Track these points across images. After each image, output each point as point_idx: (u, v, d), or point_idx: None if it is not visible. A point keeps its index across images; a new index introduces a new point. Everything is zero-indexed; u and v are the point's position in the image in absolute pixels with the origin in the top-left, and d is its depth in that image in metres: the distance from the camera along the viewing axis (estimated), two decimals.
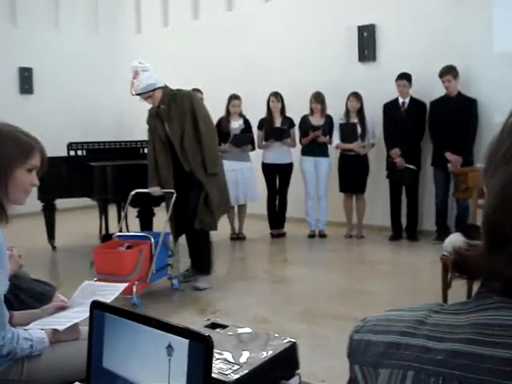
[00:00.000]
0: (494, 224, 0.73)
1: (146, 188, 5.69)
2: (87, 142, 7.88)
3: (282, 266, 6.54)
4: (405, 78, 7.21)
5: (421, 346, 0.75)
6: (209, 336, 1.08)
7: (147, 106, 9.89)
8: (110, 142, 8.05)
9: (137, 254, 4.94)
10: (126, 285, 2.67)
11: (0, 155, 2.03)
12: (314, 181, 7.74)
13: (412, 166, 7.20)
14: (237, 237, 7.84)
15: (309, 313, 4.80)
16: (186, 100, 5.58)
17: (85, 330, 2.08)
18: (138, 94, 5.59)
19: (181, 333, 1.13)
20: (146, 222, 6.28)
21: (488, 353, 0.70)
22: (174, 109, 5.55)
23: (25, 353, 2.06)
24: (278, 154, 7.70)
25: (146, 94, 5.57)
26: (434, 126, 7.02)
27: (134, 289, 4.81)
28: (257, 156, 7.84)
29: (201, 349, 1.09)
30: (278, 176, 7.83)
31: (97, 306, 1.35)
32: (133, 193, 5.68)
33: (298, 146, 7.76)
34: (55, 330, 2.17)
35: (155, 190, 5.63)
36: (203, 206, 5.48)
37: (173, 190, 5.47)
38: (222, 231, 7.82)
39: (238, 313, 4.78)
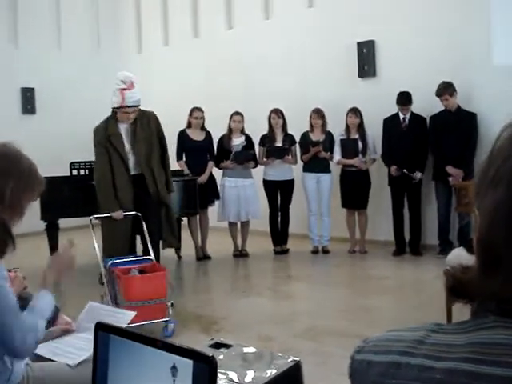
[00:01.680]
0: (486, 246, 0.75)
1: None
2: (90, 162, 7.90)
3: (285, 283, 6.52)
4: (407, 103, 7.20)
5: (420, 365, 0.76)
6: (213, 357, 1.08)
7: None
8: None
9: (165, 276, 4.79)
10: (134, 313, 2.66)
11: (23, 187, 2.05)
12: (316, 197, 7.75)
13: (419, 175, 7.19)
14: (240, 254, 7.83)
15: (313, 330, 4.79)
16: (154, 120, 5.64)
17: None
18: (132, 106, 5.48)
19: (185, 353, 1.14)
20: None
21: (486, 371, 0.71)
22: (141, 129, 5.52)
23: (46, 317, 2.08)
24: (280, 170, 7.71)
25: (136, 108, 5.52)
26: (434, 140, 7.04)
27: (170, 311, 4.72)
28: (258, 172, 7.86)
29: (205, 369, 1.10)
30: (279, 192, 7.84)
31: (101, 328, 1.35)
32: (91, 217, 5.50)
33: (300, 163, 7.78)
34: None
35: (118, 215, 5.52)
36: (166, 225, 5.51)
37: (135, 213, 5.39)
38: (225, 248, 7.85)
39: (242, 330, 4.76)
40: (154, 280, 4.70)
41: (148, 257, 5.20)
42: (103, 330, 1.35)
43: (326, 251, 7.75)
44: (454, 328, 0.79)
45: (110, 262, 5.10)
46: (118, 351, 1.29)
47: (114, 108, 5.52)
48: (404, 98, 7.20)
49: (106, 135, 5.54)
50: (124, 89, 5.37)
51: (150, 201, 5.52)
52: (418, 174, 7.17)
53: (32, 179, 2.17)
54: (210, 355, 1.09)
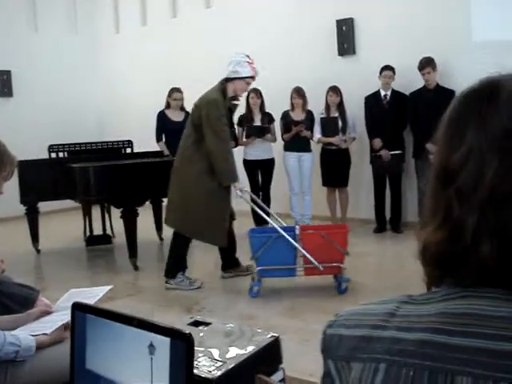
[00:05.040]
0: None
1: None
2: (68, 144, 7.84)
3: None
4: (390, 69, 7.27)
5: (392, 337, 0.76)
6: (189, 334, 1.08)
7: (130, 106, 9.83)
8: (91, 143, 8.01)
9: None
10: (109, 287, 2.65)
11: None
12: (298, 176, 7.75)
13: (397, 152, 7.27)
14: None
15: (296, 307, 4.81)
16: None
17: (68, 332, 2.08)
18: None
19: (162, 331, 1.13)
20: (130, 222, 6.24)
21: (456, 342, 0.71)
22: None
23: (9, 357, 2.05)
24: (260, 149, 7.71)
25: None
26: (413, 117, 7.08)
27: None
28: (238, 153, 7.83)
29: (182, 347, 1.10)
30: (260, 172, 7.83)
31: (78, 308, 1.35)
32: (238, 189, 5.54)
33: (280, 142, 7.77)
34: (44, 334, 2.16)
35: (241, 186, 5.63)
36: None
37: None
38: None
39: (225, 310, 4.79)
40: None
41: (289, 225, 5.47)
42: (80, 310, 1.34)
43: None
44: (425, 298, 0.79)
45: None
46: (95, 330, 1.28)
47: (246, 77, 5.51)
48: (386, 66, 7.25)
49: (226, 107, 5.50)
50: (250, 62, 5.52)
51: None
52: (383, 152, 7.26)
53: (2, 158, 2.14)
54: (187, 332, 1.08)
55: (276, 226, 5.22)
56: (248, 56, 5.58)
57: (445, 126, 0.82)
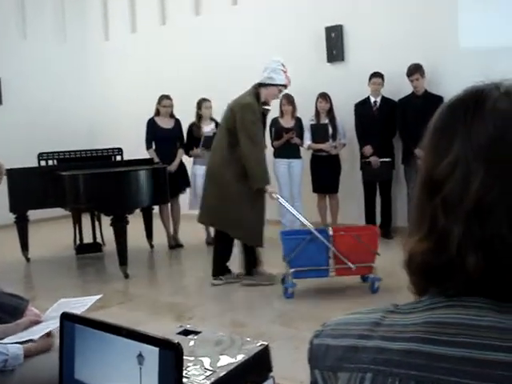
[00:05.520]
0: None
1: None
2: (58, 152, 7.81)
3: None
4: (379, 76, 7.31)
5: (377, 347, 0.76)
6: (178, 343, 1.08)
7: (120, 113, 9.81)
8: (81, 151, 7.99)
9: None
10: (98, 297, 2.64)
11: None
12: (288, 182, 7.76)
13: (387, 159, 7.30)
14: (212, 241, 7.80)
15: (287, 315, 4.81)
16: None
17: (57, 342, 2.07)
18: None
19: (151, 341, 1.13)
20: (121, 230, 6.23)
21: (442, 352, 0.71)
22: None
23: None
24: None
25: None
26: (402, 124, 7.11)
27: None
28: None
29: (171, 356, 1.09)
30: None
31: (67, 318, 1.34)
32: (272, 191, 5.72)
33: (270, 149, 7.77)
34: (30, 341, 2.15)
35: (274, 189, 5.78)
36: None
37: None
38: (197, 236, 7.83)
39: (215, 318, 4.77)
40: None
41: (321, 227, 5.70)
42: (68, 320, 1.34)
43: None
44: (410, 307, 0.79)
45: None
46: (84, 341, 1.28)
47: (279, 84, 5.64)
48: (375, 72, 7.29)
49: (260, 112, 5.60)
50: (284, 71, 5.63)
51: None
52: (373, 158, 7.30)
53: None
54: (176, 342, 1.08)
55: (311, 228, 5.34)
56: (283, 64, 5.68)
57: (430, 136, 0.82)
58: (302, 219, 5.71)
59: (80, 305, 2.45)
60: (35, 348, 2.18)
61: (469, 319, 0.72)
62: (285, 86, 5.73)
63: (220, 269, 5.76)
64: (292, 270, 5.17)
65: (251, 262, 5.85)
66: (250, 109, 5.43)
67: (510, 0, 6.60)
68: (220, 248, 5.77)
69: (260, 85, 5.63)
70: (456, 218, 0.73)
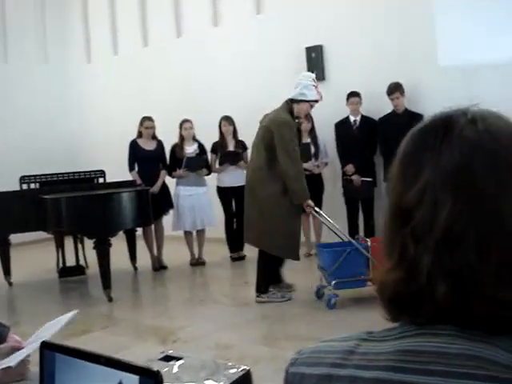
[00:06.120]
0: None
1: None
2: (40, 175, 7.77)
3: (243, 289, 6.51)
4: (356, 95, 7.37)
5: (350, 376, 0.76)
6: (158, 371, 1.07)
7: (103, 135, 9.80)
8: (63, 174, 7.94)
9: None
10: (74, 312, 2.61)
11: None
12: None
13: (368, 179, 7.34)
14: (196, 262, 7.80)
15: (271, 335, 4.80)
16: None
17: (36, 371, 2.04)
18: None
19: (130, 369, 1.12)
20: (104, 253, 6.19)
21: (412, 380, 0.71)
22: None
23: None
24: (233, 176, 7.72)
25: None
26: (383, 142, 7.17)
27: None
28: (212, 180, 7.86)
29: None
30: (234, 199, 7.85)
31: (46, 347, 1.33)
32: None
33: None
34: (8, 368, 2.12)
35: (312, 204, 5.78)
36: None
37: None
38: (181, 257, 7.81)
39: (200, 340, 4.74)
40: None
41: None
42: (48, 349, 1.32)
43: None
44: (383, 335, 0.79)
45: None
46: (64, 370, 1.27)
47: (311, 100, 5.72)
48: (352, 92, 7.36)
49: (295, 128, 5.74)
50: (315, 86, 5.74)
51: None
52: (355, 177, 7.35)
53: None
54: (155, 370, 1.08)
55: (352, 241, 5.56)
56: (314, 79, 5.79)
57: (399, 163, 0.81)
58: (339, 232, 5.85)
59: (58, 323, 2.42)
60: (9, 376, 2.14)
61: (438, 347, 0.72)
62: (316, 101, 5.82)
63: (265, 284, 5.81)
64: (333, 281, 5.31)
65: (274, 278, 5.96)
66: (287, 126, 5.55)
67: (488, 17, 6.69)
68: (263, 263, 5.83)
69: (292, 100, 5.72)
70: (425, 247, 0.73)
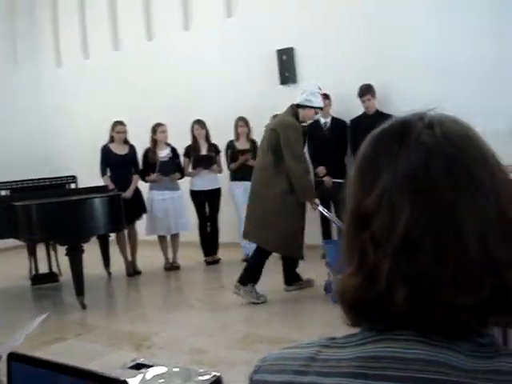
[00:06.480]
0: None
1: None
2: (11, 182, 7.68)
3: (218, 293, 6.50)
4: (326, 97, 7.39)
5: (312, 383, 0.77)
6: (125, 381, 1.07)
7: (74, 140, 9.70)
8: (34, 180, 7.85)
9: None
10: (44, 315, 2.59)
11: None
12: (245, 205, 7.75)
13: (340, 180, 7.37)
14: (171, 267, 7.77)
15: (246, 339, 4.79)
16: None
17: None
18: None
19: (98, 380, 1.12)
20: (76, 260, 6.12)
21: None
22: None
23: None
24: (206, 180, 7.71)
25: None
26: (354, 143, 7.21)
27: None
28: (185, 184, 7.83)
29: None
30: (207, 202, 7.83)
31: (14, 358, 1.31)
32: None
33: (226, 172, 7.80)
34: None
35: (318, 202, 5.95)
36: None
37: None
38: (155, 262, 7.78)
39: (175, 345, 4.72)
40: None
41: None
42: (16, 360, 1.31)
43: None
44: (344, 341, 0.80)
45: None
46: (31, 381, 1.26)
47: (316, 107, 5.96)
48: (321, 94, 7.38)
49: (300, 131, 5.88)
50: (320, 94, 5.99)
51: None
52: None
53: None
54: (122, 380, 1.07)
55: None
56: (320, 87, 6.00)
57: (358, 167, 0.82)
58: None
59: (30, 327, 2.38)
60: None
61: (397, 352, 0.73)
62: (321, 109, 6.14)
63: (249, 278, 5.81)
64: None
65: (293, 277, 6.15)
66: (293, 128, 5.75)
67: (457, 22, 6.77)
68: (256, 258, 5.90)
69: (298, 106, 5.90)
70: (384, 253, 0.73)
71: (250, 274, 5.80)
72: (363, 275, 0.75)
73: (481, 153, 0.77)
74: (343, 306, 0.79)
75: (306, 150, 7.62)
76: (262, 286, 5.88)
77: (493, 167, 0.76)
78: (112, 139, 7.65)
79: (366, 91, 7.08)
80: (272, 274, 6.43)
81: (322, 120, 7.47)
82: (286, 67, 8.23)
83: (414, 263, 0.72)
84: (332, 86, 7.44)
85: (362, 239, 0.76)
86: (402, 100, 7.04)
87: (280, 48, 8.22)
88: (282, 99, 8.03)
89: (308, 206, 5.98)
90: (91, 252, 6.78)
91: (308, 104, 5.87)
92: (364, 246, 0.75)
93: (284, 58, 8.22)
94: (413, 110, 0.83)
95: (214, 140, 7.85)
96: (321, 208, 6.02)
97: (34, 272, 7.58)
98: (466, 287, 0.71)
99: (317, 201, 5.93)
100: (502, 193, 0.75)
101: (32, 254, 7.61)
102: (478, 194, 0.73)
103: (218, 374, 1.52)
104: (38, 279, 7.49)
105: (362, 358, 0.75)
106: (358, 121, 7.21)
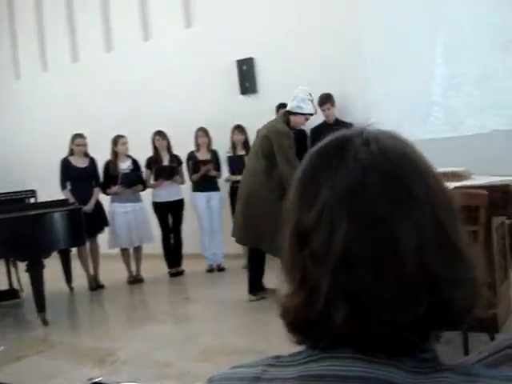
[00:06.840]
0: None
1: None
2: None
3: (182, 306, 6.46)
4: (284, 106, 7.42)
5: None
6: None
7: (34, 154, 9.58)
8: None
9: None
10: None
11: None
12: (208, 216, 7.76)
13: None
14: (134, 280, 7.69)
15: (211, 351, 4.76)
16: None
17: None
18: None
19: None
20: (37, 276, 6.02)
21: None
22: None
23: None
24: (169, 191, 7.68)
25: None
26: None
27: None
28: (147, 195, 7.78)
29: None
30: (170, 214, 7.79)
31: None
32: None
33: (188, 183, 7.78)
34: None
35: None
36: None
37: None
38: (118, 275, 7.70)
39: (139, 359, 4.66)
40: None
41: None
42: None
43: (221, 269, 7.77)
44: (289, 360, 0.79)
45: None
46: None
47: (307, 114, 6.01)
48: (279, 104, 7.42)
49: (292, 137, 5.88)
50: (311, 100, 6.05)
51: None
52: None
53: None
54: None
55: None
56: (310, 94, 6.00)
57: (297, 183, 0.81)
58: None
59: None
60: None
61: (340, 370, 0.73)
62: (311, 115, 6.13)
63: (255, 286, 6.01)
64: None
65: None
66: (285, 135, 5.84)
67: (412, 31, 6.87)
68: (253, 267, 6.05)
69: (289, 112, 5.97)
70: (324, 271, 0.72)
71: (254, 284, 6.00)
72: (304, 294, 0.75)
73: (416, 166, 0.77)
74: (286, 326, 0.79)
75: None
76: (224, 296, 5.86)
77: (428, 178, 0.77)
78: (72, 152, 7.56)
79: (326, 100, 7.15)
80: (234, 285, 6.43)
81: None
82: (246, 77, 8.26)
83: (353, 279, 0.71)
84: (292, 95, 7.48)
85: (303, 257, 0.75)
86: (360, 109, 7.14)
87: (240, 58, 8.24)
88: (243, 109, 8.11)
89: None
90: (52, 267, 6.68)
91: (299, 111, 5.95)
92: (305, 264, 0.75)
93: (244, 68, 8.25)
94: (361, 124, 0.83)
95: (175, 151, 7.82)
96: None
97: None
98: (403, 303, 0.71)
99: None
100: (436, 202, 0.75)
101: None
102: (414, 206, 0.73)
103: None
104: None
105: (305, 377, 0.74)
106: (317, 130, 7.25)
